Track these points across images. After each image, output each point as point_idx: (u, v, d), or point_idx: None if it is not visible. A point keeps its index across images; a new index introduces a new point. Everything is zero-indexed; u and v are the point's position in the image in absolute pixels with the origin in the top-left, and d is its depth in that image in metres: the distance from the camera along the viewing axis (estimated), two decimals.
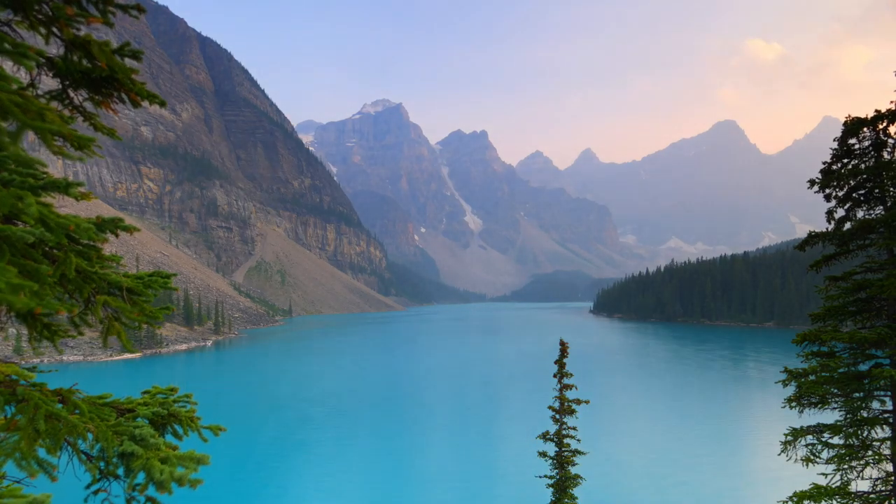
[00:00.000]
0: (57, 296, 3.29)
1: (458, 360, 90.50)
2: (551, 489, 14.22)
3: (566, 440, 14.11)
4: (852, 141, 9.53)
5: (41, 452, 3.13)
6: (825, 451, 9.86)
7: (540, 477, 14.80)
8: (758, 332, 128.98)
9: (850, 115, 9.41)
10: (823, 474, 9.85)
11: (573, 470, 14.23)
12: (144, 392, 4.00)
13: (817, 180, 10.04)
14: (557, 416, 14.07)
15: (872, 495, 9.66)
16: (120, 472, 3.33)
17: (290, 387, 65.96)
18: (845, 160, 9.72)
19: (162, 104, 3.50)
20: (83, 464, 3.33)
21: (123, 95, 3.25)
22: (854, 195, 9.74)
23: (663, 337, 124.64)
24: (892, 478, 9.61)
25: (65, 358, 78.16)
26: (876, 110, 9.00)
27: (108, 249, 3.74)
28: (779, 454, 10.26)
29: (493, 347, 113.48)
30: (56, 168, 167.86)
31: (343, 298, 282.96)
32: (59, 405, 3.18)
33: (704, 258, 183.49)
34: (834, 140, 9.92)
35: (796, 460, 9.88)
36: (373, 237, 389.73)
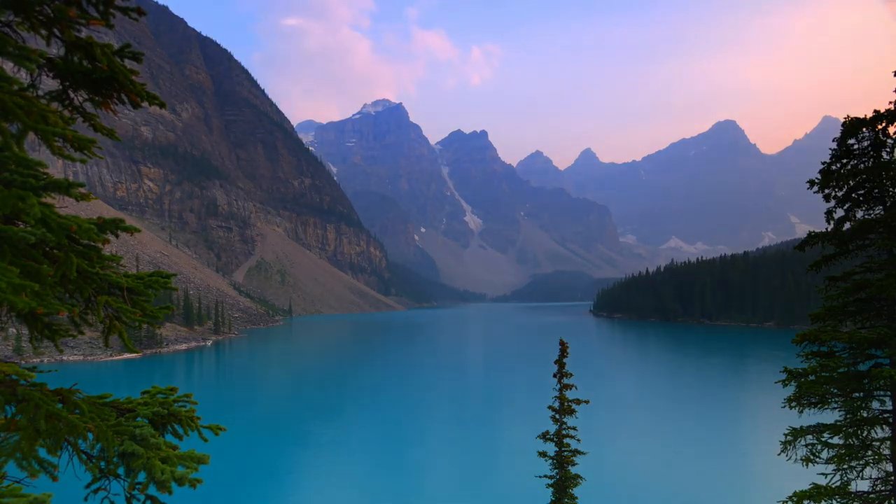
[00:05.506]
0: (58, 296, 3.30)
1: (457, 361, 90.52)
2: (551, 489, 14.22)
3: (566, 440, 14.11)
4: (851, 141, 9.52)
5: (42, 452, 3.14)
6: (825, 451, 9.85)
7: (540, 477, 14.80)
8: (758, 332, 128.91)
9: (849, 116, 9.41)
10: (823, 474, 9.85)
11: (573, 470, 14.23)
12: (144, 392, 4.01)
13: (817, 180, 10.04)
14: (557, 416, 14.08)
15: (872, 495, 9.66)
16: (120, 471, 3.34)
17: (289, 386, 65.99)
18: (844, 160, 9.71)
19: (162, 105, 3.52)
20: (83, 463, 3.34)
21: (123, 96, 3.26)
22: (853, 195, 9.73)
23: (663, 337, 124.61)
24: (892, 478, 9.62)
25: (65, 358, 78.16)
26: (875, 110, 9.00)
27: (108, 249, 3.74)
28: (779, 454, 10.26)
29: (491, 348, 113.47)
30: (56, 168, 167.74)
31: (343, 298, 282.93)
32: (60, 405, 3.19)
33: (704, 258, 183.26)
34: (833, 140, 9.91)
35: (796, 460, 9.88)
36: (373, 237, 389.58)
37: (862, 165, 9.51)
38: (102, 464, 3.33)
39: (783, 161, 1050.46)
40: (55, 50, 3.16)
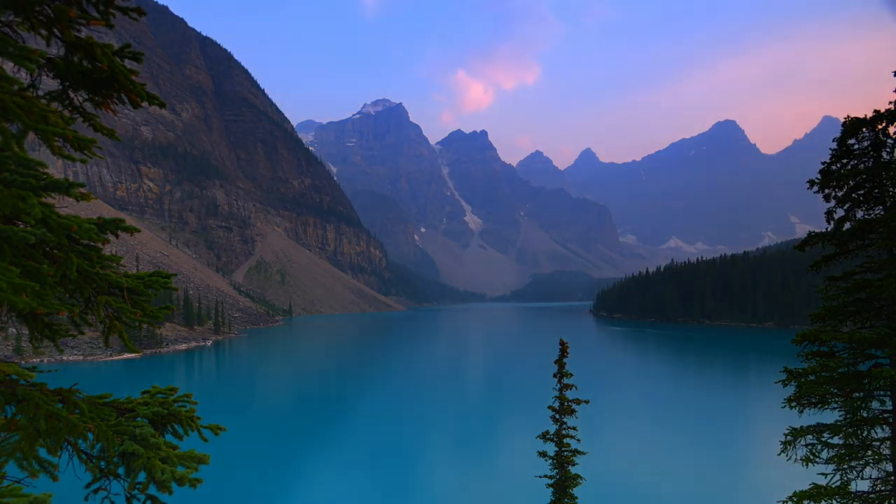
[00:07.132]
0: (58, 296, 3.30)
1: (456, 361, 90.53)
2: (551, 489, 14.22)
3: (566, 440, 14.11)
4: (851, 141, 9.51)
5: (42, 452, 3.14)
6: (825, 451, 9.84)
7: (540, 477, 14.80)
8: (758, 332, 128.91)
9: (849, 116, 9.40)
10: (823, 474, 9.84)
11: (573, 470, 14.23)
12: (144, 392, 4.01)
13: (817, 180, 10.03)
14: (557, 416, 14.07)
15: (872, 495, 9.66)
16: (120, 471, 3.34)
17: (289, 386, 65.98)
18: (844, 160, 9.70)
19: (161, 105, 3.52)
20: (83, 463, 3.34)
21: (123, 96, 3.26)
22: (853, 195, 9.72)
23: (663, 338, 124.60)
24: (892, 478, 9.62)
25: (64, 358, 78.14)
26: (875, 110, 8.99)
27: (107, 249, 3.75)
28: (779, 454, 10.26)
29: (490, 348, 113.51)
30: (56, 168, 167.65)
31: (343, 298, 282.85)
32: (60, 405, 3.19)
33: (704, 258, 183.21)
34: (833, 140, 9.90)
35: (796, 460, 9.87)
36: (373, 237, 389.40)
37: (862, 165, 9.50)
38: (102, 464, 3.33)
39: (783, 161, 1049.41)
40: (55, 50, 3.16)
